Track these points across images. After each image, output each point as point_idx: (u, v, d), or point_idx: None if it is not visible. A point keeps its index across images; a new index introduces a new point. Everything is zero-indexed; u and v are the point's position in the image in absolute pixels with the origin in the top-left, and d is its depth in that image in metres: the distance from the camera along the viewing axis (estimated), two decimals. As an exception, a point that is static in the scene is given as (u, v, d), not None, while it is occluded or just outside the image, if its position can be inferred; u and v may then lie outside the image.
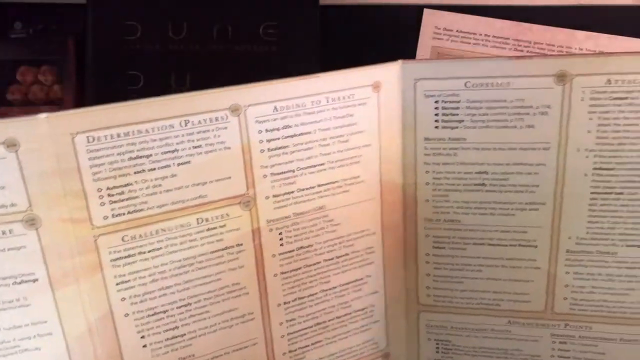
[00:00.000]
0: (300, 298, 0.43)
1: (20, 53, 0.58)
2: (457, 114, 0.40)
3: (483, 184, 0.42)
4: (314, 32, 0.59)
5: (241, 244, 0.40)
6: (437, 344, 0.47)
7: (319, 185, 0.41)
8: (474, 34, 0.59)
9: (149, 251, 0.38)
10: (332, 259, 0.43)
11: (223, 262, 0.40)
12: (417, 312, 0.46)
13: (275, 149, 0.40)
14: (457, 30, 0.59)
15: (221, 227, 0.39)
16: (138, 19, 0.59)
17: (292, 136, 0.40)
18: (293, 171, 0.40)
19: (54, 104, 0.58)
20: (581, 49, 0.58)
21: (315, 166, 0.41)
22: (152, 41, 0.59)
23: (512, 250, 0.43)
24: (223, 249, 0.40)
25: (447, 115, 0.41)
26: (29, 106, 0.58)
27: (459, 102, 0.40)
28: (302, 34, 0.59)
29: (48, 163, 0.34)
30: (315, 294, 0.43)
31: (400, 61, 0.41)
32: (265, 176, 0.40)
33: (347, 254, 0.43)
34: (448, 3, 0.59)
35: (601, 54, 0.39)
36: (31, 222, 0.35)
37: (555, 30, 0.59)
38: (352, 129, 0.41)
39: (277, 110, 0.39)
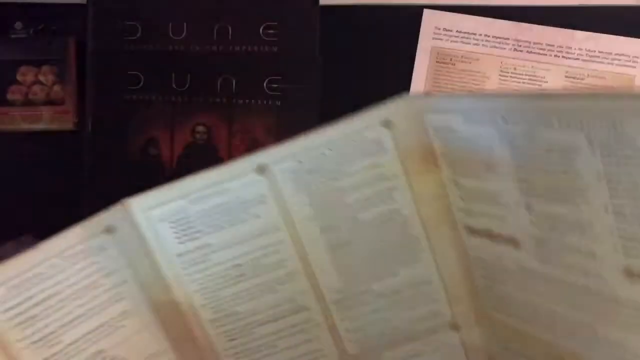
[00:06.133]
0: None
1: (20, 53, 0.58)
2: (193, 227, 0.45)
3: (242, 275, 0.46)
4: (314, 32, 0.59)
5: None
6: None
7: (87, 334, 0.44)
8: (474, 34, 0.59)
9: None
10: None
11: None
12: None
13: (26, 320, 0.42)
14: (457, 31, 0.59)
15: None
16: (138, 19, 0.59)
17: (38, 304, 0.42)
18: (54, 332, 0.43)
19: (55, 104, 0.58)
20: (581, 49, 0.58)
21: (76, 319, 0.44)
22: (152, 41, 0.59)
23: (291, 318, 0.48)
24: None
25: (184, 231, 0.45)
26: (29, 106, 0.58)
27: (189, 216, 0.45)
28: (302, 34, 0.59)
29: None
30: None
31: (125, 200, 0.44)
32: (25, 347, 0.42)
33: None
34: (448, 3, 0.59)
35: (290, 142, 0.45)
36: None
37: (555, 30, 0.59)
38: (101, 274, 0.44)
39: (14, 288, 0.41)
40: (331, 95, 0.59)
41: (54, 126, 0.58)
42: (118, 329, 0.45)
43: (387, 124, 0.44)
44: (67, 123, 0.58)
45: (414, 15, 0.60)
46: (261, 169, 0.44)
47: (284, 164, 0.44)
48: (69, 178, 0.59)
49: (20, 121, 0.58)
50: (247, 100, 0.58)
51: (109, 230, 0.44)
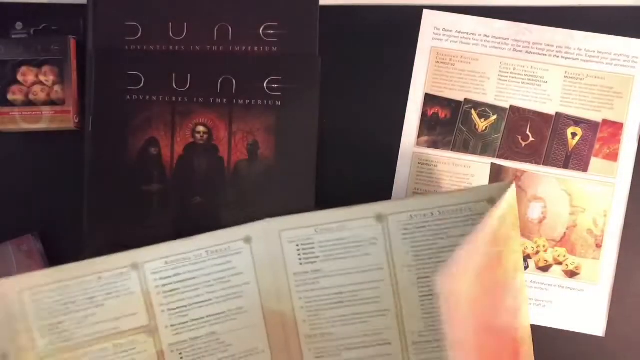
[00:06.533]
0: None
1: (21, 53, 0.58)
2: (313, 253, 0.53)
3: (341, 302, 0.54)
4: (314, 32, 0.59)
5: None
6: None
7: (208, 316, 0.54)
8: (474, 34, 0.59)
9: None
10: None
11: None
12: None
13: (169, 291, 0.54)
14: (456, 31, 0.59)
15: (132, 349, 0.54)
16: (138, 19, 0.59)
17: (181, 281, 0.54)
18: (185, 306, 0.54)
19: (55, 104, 0.58)
20: (580, 49, 0.59)
21: (203, 302, 0.54)
22: (152, 41, 0.59)
23: (374, 349, 0.54)
24: None
25: (306, 254, 0.53)
26: (30, 106, 0.58)
27: (313, 243, 0.53)
28: (302, 34, 0.59)
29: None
30: None
31: (266, 219, 0.54)
32: (163, 311, 0.54)
33: None
34: (448, 3, 0.60)
35: (405, 198, 0.55)
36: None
37: (555, 31, 0.59)
38: (232, 272, 0.54)
39: (167, 264, 0.53)
40: (331, 96, 0.59)
41: (55, 126, 0.58)
42: (232, 320, 0.54)
43: (490, 200, 0.51)
44: (67, 123, 0.58)
45: (414, 15, 0.60)
46: (379, 217, 0.52)
47: (399, 216, 0.52)
48: (69, 178, 0.59)
49: (20, 121, 0.58)
50: (247, 100, 0.58)
51: (247, 239, 0.53)
